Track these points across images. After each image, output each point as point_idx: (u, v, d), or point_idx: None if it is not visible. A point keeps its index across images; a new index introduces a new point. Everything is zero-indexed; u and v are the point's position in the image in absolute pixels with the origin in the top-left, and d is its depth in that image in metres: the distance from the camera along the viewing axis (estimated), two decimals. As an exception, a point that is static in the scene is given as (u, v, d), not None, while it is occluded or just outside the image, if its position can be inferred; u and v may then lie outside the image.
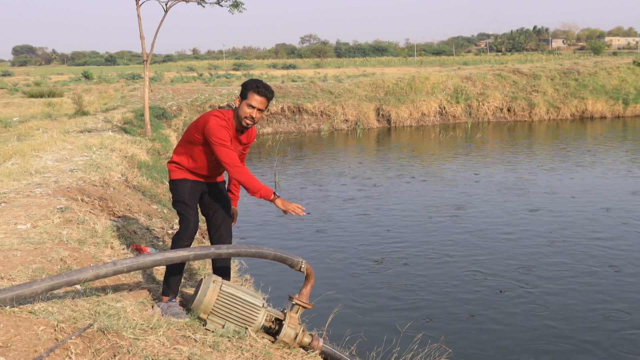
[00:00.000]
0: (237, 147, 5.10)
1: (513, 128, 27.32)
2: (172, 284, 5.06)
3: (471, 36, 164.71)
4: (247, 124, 4.98)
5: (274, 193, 4.84)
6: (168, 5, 15.74)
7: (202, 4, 15.91)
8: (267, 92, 4.94)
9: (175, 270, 5.06)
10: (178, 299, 5.16)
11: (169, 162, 5.29)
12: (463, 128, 26.89)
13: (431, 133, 25.43)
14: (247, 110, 4.91)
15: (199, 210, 5.30)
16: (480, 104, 29.69)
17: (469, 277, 8.59)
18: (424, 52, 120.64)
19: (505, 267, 8.94)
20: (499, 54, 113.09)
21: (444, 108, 29.22)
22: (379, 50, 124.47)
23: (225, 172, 5.33)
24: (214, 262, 5.37)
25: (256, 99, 4.90)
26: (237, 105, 4.99)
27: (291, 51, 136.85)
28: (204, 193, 5.27)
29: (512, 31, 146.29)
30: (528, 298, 7.87)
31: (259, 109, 4.94)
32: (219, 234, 5.28)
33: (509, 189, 14.01)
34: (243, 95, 4.95)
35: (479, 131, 25.51)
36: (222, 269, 5.31)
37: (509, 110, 29.86)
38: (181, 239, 5.02)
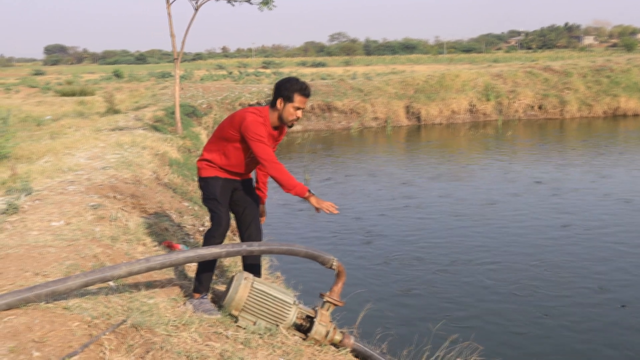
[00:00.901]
0: (272, 144, 5.09)
1: (544, 126, 27.05)
2: (204, 280, 5.08)
3: (501, 33, 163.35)
4: (293, 124, 5.07)
5: (309, 191, 4.85)
6: (198, 4, 15.79)
7: (232, 2, 15.93)
8: (310, 92, 5.05)
9: (207, 267, 5.08)
10: (210, 295, 5.19)
11: (200, 160, 5.28)
12: (493, 126, 26.68)
13: (461, 131, 25.27)
14: (295, 112, 4.97)
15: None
16: (511, 101, 29.43)
17: (501, 277, 8.52)
18: (454, 49, 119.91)
19: (536, 267, 8.86)
20: (530, 51, 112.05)
21: (474, 106, 29.00)
22: (408, 47, 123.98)
23: (253, 170, 5.38)
24: (244, 259, 5.37)
25: (302, 100, 4.96)
26: (279, 107, 4.96)
27: (320, 49, 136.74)
28: (234, 190, 5.25)
29: (543, 28, 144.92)
30: (560, 298, 7.79)
31: (303, 109, 5.03)
32: (249, 231, 5.27)
33: (541, 188, 13.88)
34: (287, 98, 4.94)
35: (509, 129, 25.30)
36: (252, 266, 5.31)
37: (540, 107, 29.55)
38: (213, 236, 5.03)
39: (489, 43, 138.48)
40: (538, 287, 8.07)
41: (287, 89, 4.95)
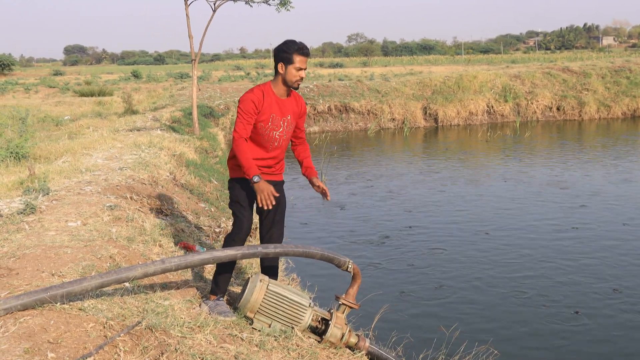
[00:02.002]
0: (284, 117, 5.12)
1: (563, 127, 26.91)
2: (221, 283, 5.08)
3: (520, 34, 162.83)
4: (298, 86, 5.09)
5: (255, 177, 4.82)
6: (216, 5, 15.83)
7: (250, 3, 15.97)
8: (308, 51, 5.06)
9: (225, 269, 5.09)
10: (225, 297, 5.19)
11: (229, 159, 5.28)
12: (511, 127, 26.57)
13: (479, 132, 25.17)
14: (297, 73, 4.99)
15: (254, 208, 5.26)
16: (529, 102, 29.29)
17: (520, 281, 8.46)
18: (472, 50, 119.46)
19: (556, 271, 8.80)
20: (548, 51, 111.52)
21: (492, 107, 28.90)
22: (426, 48, 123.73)
23: (282, 171, 5.39)
24: (262, 261, 5.36)
25: (302, 60, 4.98)
26: (281, 72, 5.00)
27: (338, 50, 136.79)
28: None
29: (561, 29, 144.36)
30: (580, 303, 7.72)
31: (305, 69, 5.04)
32: (270, 234, 5.27)
33: (560, 191, 13.79)
34: (287, 60, 4.96)
35: (527, 130, 25.17)
36: (269, 268, 5.31)
37: (558, 109, 29.40)
38: (233, 240, 5.04)
39: (507, 44, 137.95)
40: (557, 292, 8.01)
41: (285, 51, 4.98)
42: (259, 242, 5.45)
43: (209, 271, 6.05)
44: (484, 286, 8.24)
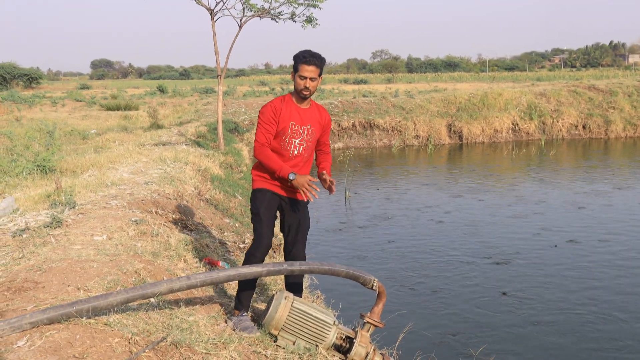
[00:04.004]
0: (305, 125, 5.13)
1: (588, 145, 26.70)
2: (244, 299, 5.07)
3: (545, 51, 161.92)
4: (305, 95, 5.03)
5: (290, 174, 4.86)
6: (242, 21, 15.93)
7: (276, 19, 16.04)
8: (315, 60, 4.98)
9: (247, 285, 5.07)
10: (250, 314, 5.17)
11: (252, 170, 5.28)
12: (537, 145, 26.41)
13: (504, 150, 25.04)
14: (301, 82, 4.98)
15: (276, 224, 5.23)
16: (555, 120, 29.12)
17: (548, 303, 8.37)
18: (497, 67, 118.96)
19: (587, 295, 8.69)
20: (574, 69, 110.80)
21: (517, 125, 28.75)
22: (450, 65, 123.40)
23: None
24: (286, 277, 5.33)
25: (306, 69, 4.95)
26: (293, 80, 5.05)
27: (362, 66, 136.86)
28: (283, 210, 5.22)
29: (587, 46, 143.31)
30: (616, 332, 7.62)
31: (311, 78, 4.98)
32: (293, 252, 5.23)
33: (585, 211, 13.66)
34: (295, 69, 5.01)
35: (552, 148, 25.00)
36: (294, 285, 5.29)
37: (584, 127, 29.20)
38: (253, 255, 5.01)
39: (532, 61, 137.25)
40: (588, 316, 7.90)
41: (294, 60, 5.02)
42: (284, 258, 5.42)
43: (233, 287, 6.04)
44: (512, 307, 8.16)
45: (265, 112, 5.03)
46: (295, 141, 5.06)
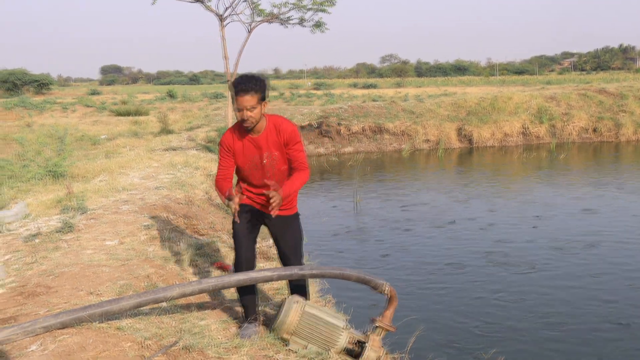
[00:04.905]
0: (262, 154, 4.79)
1: (599, 149, 26.58)
2: (247, 304, 5.02)
3: (554, 55, 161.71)
4: (248, 127, 4.63)
5: (229, 196, 4.59)
6: (252, 27, 15.97)
7: (285, 24, 16.08)
8: (250, 87, 4.55)
9: (246, 291, 4.97)
10: (262, 318, 5.17)
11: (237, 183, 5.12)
12: (547, 149, 26.31)
13: (514, 154, 24.97)
14: (239, 114, 4.59)
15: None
16: (565, 124, 29.01)
17: (558, 307, 8.34)
18: (506, 71, 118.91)
19: (596, 299, 8.66)
20: (584, 73, 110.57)
21: (527, 128, 28.66)
22: (460, 69, 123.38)
23: (291, 205, 5.04)
24: (290, 281, 5.29)
25: (241, 100, 4.53)
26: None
27: (372, 70, 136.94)
28: (267, 225, 5.03)
29: (597, 50, 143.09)
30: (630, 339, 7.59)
31: (249, 108, 4.55)
32: (288, 262, 5.10)
33: (597, 215, 13.61)
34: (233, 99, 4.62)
35: (563, 152, 24.91)
36: (298, 287, 5.24)
37: (594, 130, 29.08)
38: (237, 272, 4.85)
39: (541, 65, 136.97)
40: (602, 322, 7.87)
41: (231, 90, 4.64)
42: None
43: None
44: (525, 310, 8.12)
45: (222, 148, 4.80)
46: (264, 170, 4.83)
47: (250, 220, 4.90)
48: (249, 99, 4.52)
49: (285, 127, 4.80)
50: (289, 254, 5.07)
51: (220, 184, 4.78)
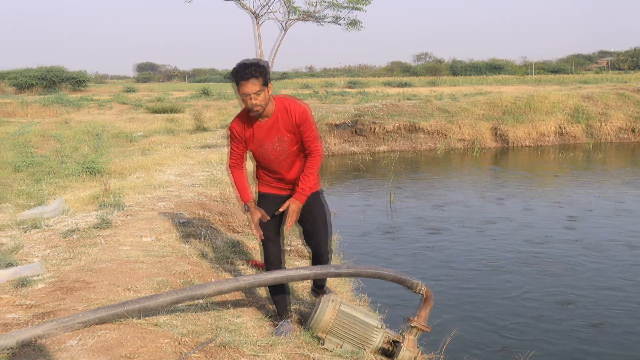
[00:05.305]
0: (273, 138, 4.76)
1: (638, 149, 26.20)
2: (279, 302, 5.04)
3: (591, 54, 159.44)
4: (257, 112, 4.58)
5: (246, 205, 4.72)
6: (287, 25, 16.01)
7: (321, 22, 16.09)
8: (251, 72, 4.47)
9: (278, 290, 4.99)
10: (297, 317, 5.17)
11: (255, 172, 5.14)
12: (584, 149, 25.98)
13: (551, 154, 24.70)
14: (245, 103, 4.58)
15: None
16: (602, 124, 28.62)
17: (598, 310, 8.23)
18: (542, 70, 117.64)
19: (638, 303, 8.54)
20: (621, 72, 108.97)
21: (564, 128, 28.33)
22: (495, 68, 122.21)
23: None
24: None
25: (245, 86, 4.47)
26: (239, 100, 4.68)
27: (406, 69, 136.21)
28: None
29: (635, 48, 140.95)
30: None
31: (254, 94, 4.49)
32: (314, 248, 5.12)
33: (633, 217, 13.42)
34: (235, 89, 4.59)
35: (600, 152, 24.60)
36: (319, 286, 5.32)
37: (633, 130, 28.65)
38: (268, 268, 4.91)
39: (578, 64, 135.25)
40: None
41: (232, 80, 4.59)
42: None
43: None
44: (561, 314, 8.03)
45: (230, 134, 4.80)
46: (276, 154, 4.80)
47: (272, 209, 4.85)
48: (252, 86, 4.47)
49: (296, 107, 4.77)
50: (318, 231, 5.02)
51: (235, 175, 4.88)
